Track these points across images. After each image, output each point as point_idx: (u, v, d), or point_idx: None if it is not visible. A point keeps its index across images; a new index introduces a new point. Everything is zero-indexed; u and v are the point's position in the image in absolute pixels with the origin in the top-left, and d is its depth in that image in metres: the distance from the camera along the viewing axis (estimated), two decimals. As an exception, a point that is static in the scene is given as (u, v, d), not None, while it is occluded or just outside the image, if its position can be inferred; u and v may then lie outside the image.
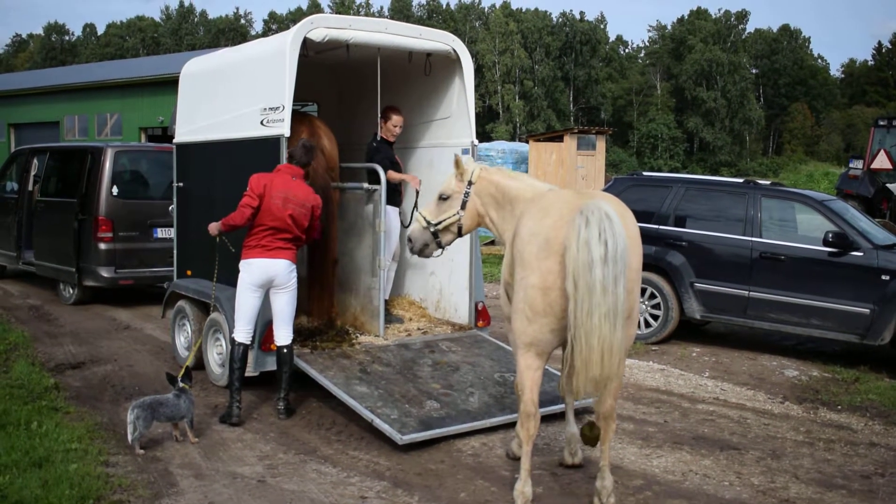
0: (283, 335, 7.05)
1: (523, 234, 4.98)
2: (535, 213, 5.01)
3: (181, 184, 9.10)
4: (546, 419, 6.91)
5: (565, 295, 4.71)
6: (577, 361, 4.64)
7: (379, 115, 8.56)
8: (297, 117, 8.23)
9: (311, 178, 7.68)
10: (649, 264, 10.01)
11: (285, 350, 7.03)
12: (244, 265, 6.88)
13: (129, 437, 6.12)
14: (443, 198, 5.90)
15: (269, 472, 5.84)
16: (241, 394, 6.97)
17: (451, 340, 8.17)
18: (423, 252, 6.11)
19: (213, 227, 7.03)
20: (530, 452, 5.13)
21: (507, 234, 5.61)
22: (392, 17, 74.86)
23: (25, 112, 39.43)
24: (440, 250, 6.13)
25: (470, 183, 5.79)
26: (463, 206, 5.81)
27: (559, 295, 4.78)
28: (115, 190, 11.78)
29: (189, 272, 8.86)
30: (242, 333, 6.96)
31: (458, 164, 5.86)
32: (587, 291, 4.54)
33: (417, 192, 8.31)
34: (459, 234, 5.97)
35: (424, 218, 5.98)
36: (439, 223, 5.89)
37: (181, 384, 6.38)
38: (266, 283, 6.90)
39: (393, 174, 8.25)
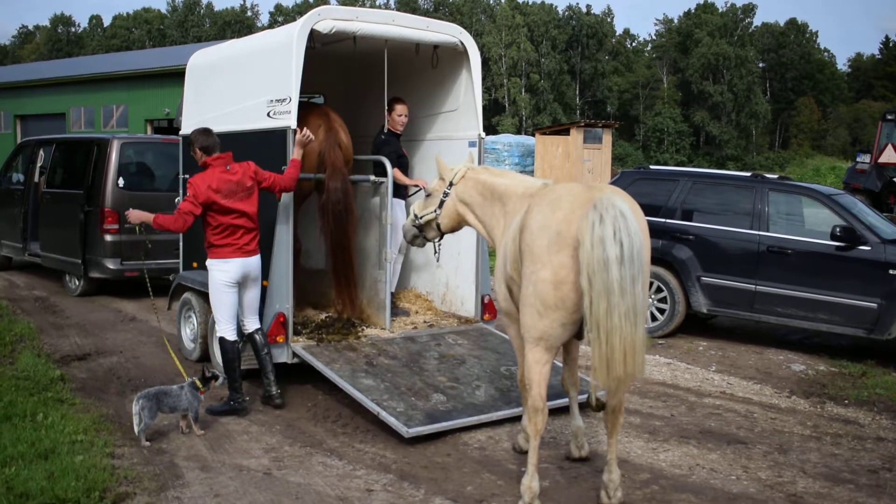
0: (252, 322, 7.16)
1: (533, 227, 4.91)
2: (545, 207, 4.94)
3: (187, 176, 9.08)
4: (552, 412, 6.90)
5: (577, 289, 4.68)
6: (598, 360, 4.61)
7: (385, 108, 8.55)
8: (315, 110, 8.21)
9: (329, 172, 7.68)
10: (656, 258, 9.98)
11: (257, 335, 7.12)
12: (219, 264, 6.83)
13: (136, 429, 6.13)
14: (427, 195, 6.17)
15: (274, 465, 5.84)
16: (242, 386, 6.99)
17: (457, 333, 8.16)
18: (413, 242, 6.40)
19: (136, 217, 6.77)
20: (537, 447, 5.11)
21: (496, 232, 5.68)
22: (398, 10, 74.67)
23: (31, 104, 39.45)
24: (437, 242, 6.35)
25: (451, 184, 5.93)
26: (440, 206, 5.98)
27: (571, 289, 4.74)
28: (121, 181, 11.78)
29: (195, 264, 8.86)
30: (230, 331, 6.96)
31: (440, 166, 6.08)
32: (604, 291, 4.50)
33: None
34: (441, 231, 6.14)
35: (413, 211, 6.22)
36: (421, 218, 6.12)
37: (208, 374, 6.54)
38: (242, 279, 6.94)
39: (400, 176, 8.23)
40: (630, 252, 4.51)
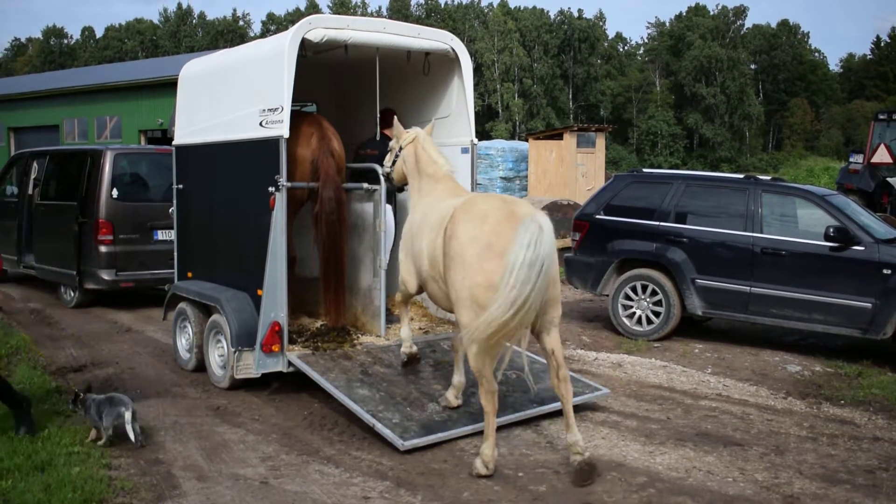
0: None
1: (462, 238, 5.60)
2: (472, 220, 5.64)
3: (181, 186, 9.08)
4: (548, 416, 6.92)
5: None
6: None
7: (378, 116, 8.58)
8: (307, 119, 8.22)
9: (322, 181, 7.71)
10: (651, 261, 10.01)
11: None
12: None
13: (133, 437, 6.12)
14: (389, 150, 7.39)
15: (271, 474, 5.84)
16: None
17: (452, 340, 8.14)
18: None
19: None
20: (494, 420, 5.68)
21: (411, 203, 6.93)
22: (390, 17, 74.81)
23: (25, 116, 39.41)
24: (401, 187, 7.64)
25: (401, 148, 7.12)
26: (392, 164, 7.29)
27: None
28: (115, 192, 11.76)
29: (190, 274, 8.85)
30: None
31: (396, 128, 7.23)
32: (518, 283, 5.14)
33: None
34: (397, 184, 7.46)
35: (384, 162, 7.49)
36: (384, 170, 7.49)
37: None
38: None
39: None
40: (537, 255, 5.18)
